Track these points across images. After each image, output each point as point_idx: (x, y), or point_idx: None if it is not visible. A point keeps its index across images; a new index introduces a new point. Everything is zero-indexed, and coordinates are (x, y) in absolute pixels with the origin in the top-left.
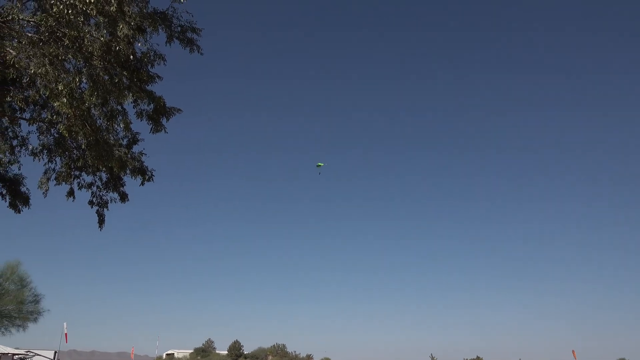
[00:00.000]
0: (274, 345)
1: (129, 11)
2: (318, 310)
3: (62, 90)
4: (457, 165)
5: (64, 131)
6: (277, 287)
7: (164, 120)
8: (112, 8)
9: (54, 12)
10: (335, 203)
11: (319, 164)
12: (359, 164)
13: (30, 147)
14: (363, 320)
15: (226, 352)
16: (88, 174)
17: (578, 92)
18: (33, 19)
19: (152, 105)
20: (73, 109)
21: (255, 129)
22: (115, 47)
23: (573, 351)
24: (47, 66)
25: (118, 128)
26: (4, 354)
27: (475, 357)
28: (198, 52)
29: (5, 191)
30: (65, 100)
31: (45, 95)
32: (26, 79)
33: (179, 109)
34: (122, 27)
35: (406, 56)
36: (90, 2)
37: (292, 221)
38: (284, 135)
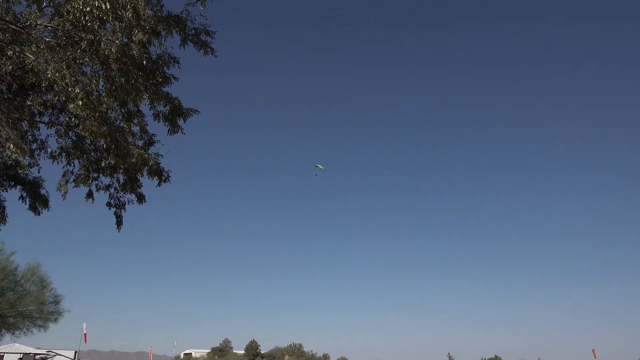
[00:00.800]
0: (290, 344)
1: (144, 15)
2: (335, 309)
3: (78, 93)
4: (472, 160)
5: (85, 131)
6: (295, 286)
7: (180, 122)
8: (128, 13)
9: (71, 18)
10: (357, 201)
11: (318, 165)
12: (379, 159)
13: (49, 150)
14: (380, 320)
15: (243, 352)
16: (106, 176)
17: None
18: (50, 24)
19: (168, 107)
20: (89, 111)
21: (268, 126)
22: (130, 52)
23: (593, 350)
24: (65, 70)
25: (135, 129)
26: (26, 354)
27: (493, 356)
28: (212, 54)
29: (25, 194)
30: (80, 103)
31: (62, 99)
32: (44, 83)
33: (196, 110)
34: (137, 32)
35: (408, 52)
36: (106, 8)
37: (311, 219)
38: (300, 131)
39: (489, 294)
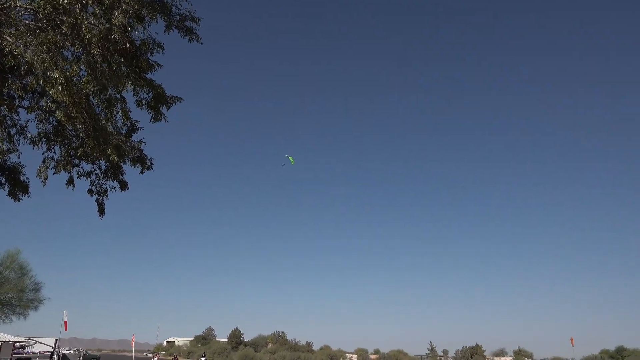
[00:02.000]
0: (274, 333)
1: None
2: (318, 299)
3: (57, 78)
4: (463, 154)
5: (62, 117)
6: (279, 275)
7: (164, 109)
8: None
9: (51, 0)
10: (337, 191)
11: (290, 158)
12: (367, 149)
13: (29, 135)
14: (363, 309)
15: (226, 340)
16: (87, 163)
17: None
18: (31, 6)
19: (151, 94)
20: (69, 97)
21: (254, 115)
22: (112, 36)
23: (571, 338)
24: (44, 54)
25: (117, 116)
26: (5, 341)
27: (474, 344)
28: (197, 41)
29: (4, 180)
30: (60, 88)
31: (41, 83)
32: (24, 66)
33: (180, 98)
34: (118, 14)
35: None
36: None
37: (295, 208)
38: (288, 121)
39: (469, 284)
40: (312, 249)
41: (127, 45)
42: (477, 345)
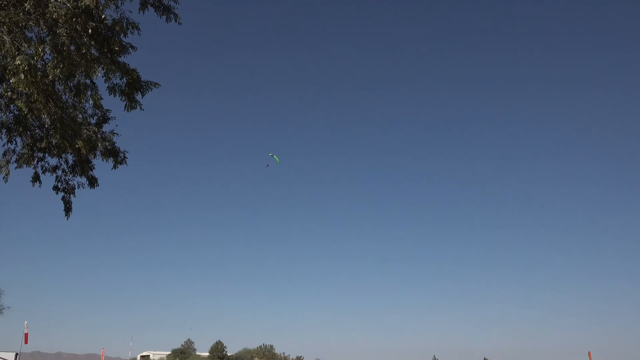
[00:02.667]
0: (260, 346)
1: None
2: (309, 309)
3: (19, 65)
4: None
5: (24, 108)
6: (266, 283)
7: (138, 96)
8: None
9: None
10: (328, 188)
11: (275, 157)
12: (344, 145)
13: None
14: (356, 321)
15: (207, 354)
16: (52, 156)
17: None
18: None
19: (125, 79)
20: (32, 87)
21: (236, 105)
22: (82, 15)
23: (589, 353)
24: (5, 36)
25: (87, 105)
26: None
27: (482, 359)
28: (175, 21)
29: None
30: (22, 76)
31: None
32: None
33: (156, 83)
34: None
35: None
36: None
37: (281, 211)
38: (271, 111)
39: (476, 292)
40: (305, 257)
41: (96, 24)
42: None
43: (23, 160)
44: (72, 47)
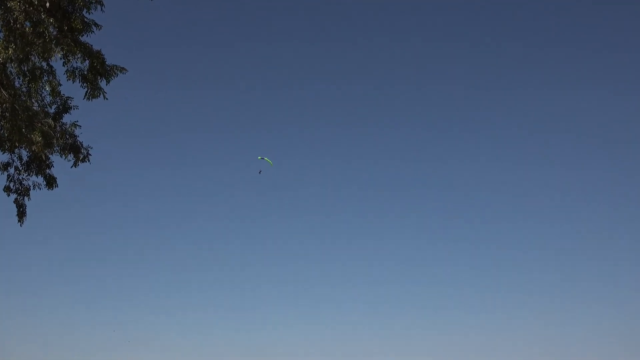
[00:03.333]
0: None
1: None
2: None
3: None
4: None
5: None
6: (225, 289)
7: (102, 83)
8: None
9: None
10: (327, 191)
11: (267, 159)
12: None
13: None
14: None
15: None
16: (4, 152)
17: None
18: None
19: (87, 62)
20: None
21: (219, 100)
22: None
23: None
24: None
25: (43, 92)
26: None
27: None
28: None
29: None
30: None
31: None
32: None
33: (123, 68)
34: None
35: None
36: None
37: (261, 211)
38: (253, 105)
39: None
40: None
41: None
42: None
43: None
44: (27, 24)
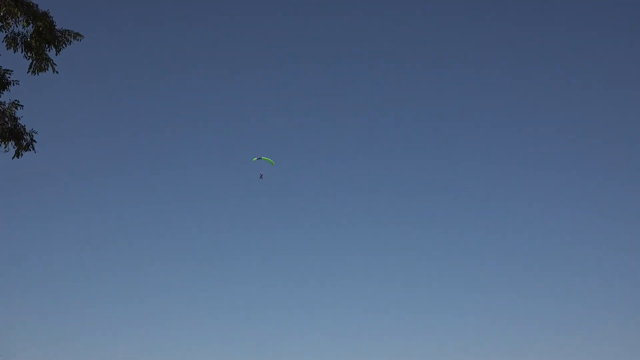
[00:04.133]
0: None
1: None
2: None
3: None
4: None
5: None
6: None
7: (51, 52)
8: None
9: None
10: (329, 195)
11: (267, 159)
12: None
13: None
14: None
15: None
16: None
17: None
18: None
19: (32, 27)
20: None
21: (199, 80)
22: None
23: None
24: None
25: None
26: None
27: None
28: None
29: None
30: None
31: None
32: None
33: (78, 34)
34: None
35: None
36: None
37: (243, 213)
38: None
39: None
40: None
41: None
42: None
43: None
44: None
